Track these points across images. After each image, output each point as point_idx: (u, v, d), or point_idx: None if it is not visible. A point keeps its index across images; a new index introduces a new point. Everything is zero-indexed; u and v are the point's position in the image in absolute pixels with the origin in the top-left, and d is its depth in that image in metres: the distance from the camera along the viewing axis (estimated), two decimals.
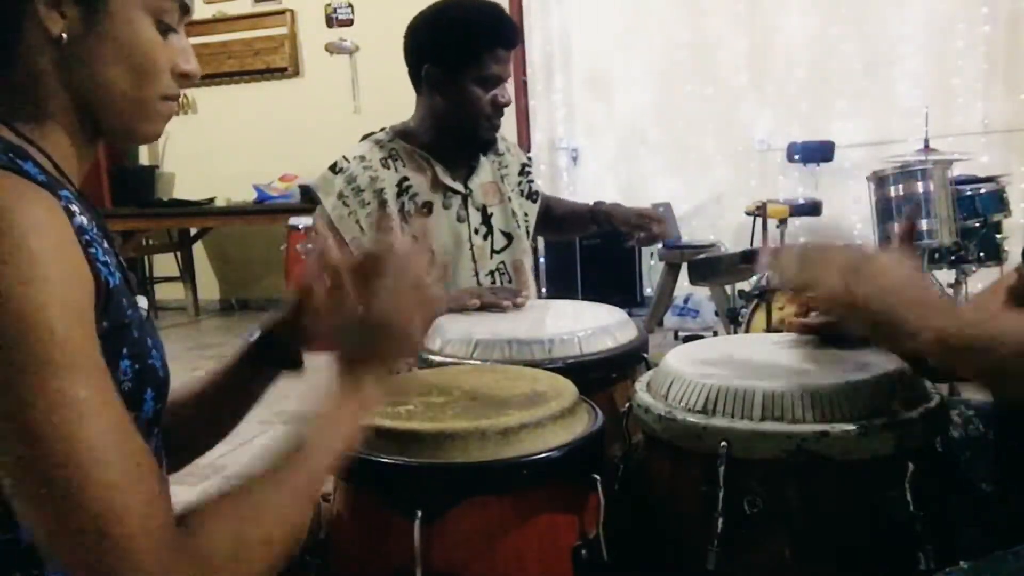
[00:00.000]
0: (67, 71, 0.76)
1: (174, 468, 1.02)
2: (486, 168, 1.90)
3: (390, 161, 1.78)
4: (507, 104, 1.77)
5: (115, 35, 0.77)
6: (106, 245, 0.78)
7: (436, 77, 1.74)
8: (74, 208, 0.73)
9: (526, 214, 1.96)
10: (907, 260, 0.95)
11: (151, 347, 0.81)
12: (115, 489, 0.62)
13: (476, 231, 1.84)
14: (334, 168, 1.77)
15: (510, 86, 1.82)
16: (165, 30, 0.80)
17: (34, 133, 0.77)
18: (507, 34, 1.74)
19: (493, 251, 1.87)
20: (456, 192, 1.82)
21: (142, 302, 0.83)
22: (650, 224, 1.88)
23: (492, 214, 1.88)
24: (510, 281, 1.89)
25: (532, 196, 1.99)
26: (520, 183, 1.97)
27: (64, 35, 0.75)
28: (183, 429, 0.98)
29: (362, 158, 1.77)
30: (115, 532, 0.62)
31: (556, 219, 2.08)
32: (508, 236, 1.90)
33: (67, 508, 0.61)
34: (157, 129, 0.83)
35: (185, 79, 0.83)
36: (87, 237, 0.72)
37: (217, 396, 1.02)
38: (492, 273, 1.86)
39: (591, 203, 2.01)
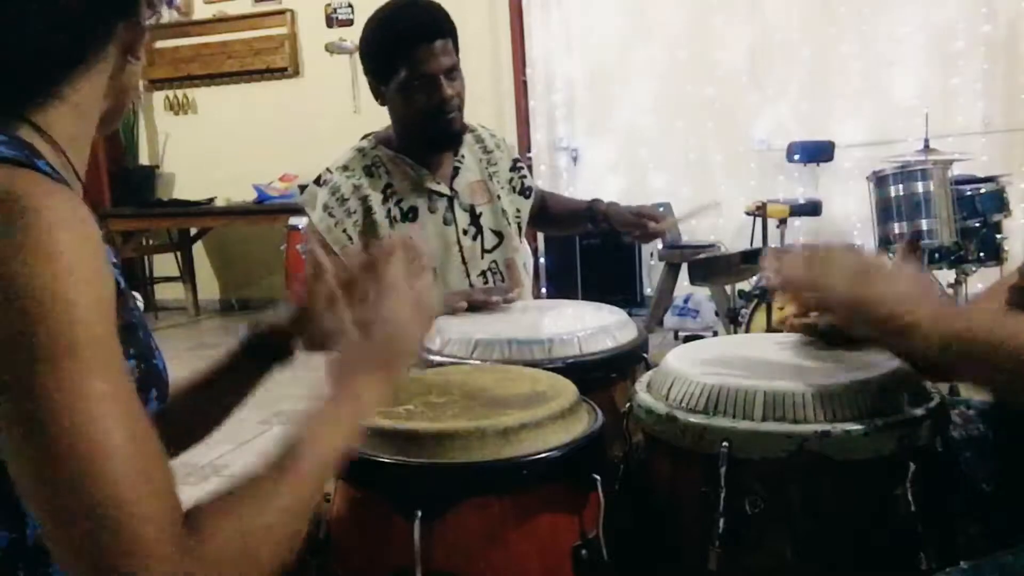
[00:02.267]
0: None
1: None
2: (472, 168, 1.88)
3: (374, 168, 1.78)
4: (448, 97, 1.68)
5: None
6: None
7: (376, 89, 1.76)
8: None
9: (518, 210, 1.94)
10: (910, 265, 0.97)
11: (154, 348, 0.82)
12: (129, 487, 0.62)
13: (465, 232, 1.83)
14: (318, 181, 1.78)
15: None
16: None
17: (45, 132, 0.78)
18: (412, 33, 1.66)
19: (484, 251, 1.86)
20: (441, 195, 1.81)
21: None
22: (646, 224, 1.86)
23: (481, 213, 1.86)
24: (503, 280, 1.87)
25: (525, 192, 1.96)
26: (511, 179, 1.94)
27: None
28: (173, 424, 0.98)
29: (345, 167, 1.77)
30: (126, 530, 0.61)
31: (552, 215, 2.06)
32: (499, 235, 1.88)
33: (78, 502, 0.61)
34: None
35: None
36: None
37: (210, 393, 1.03)
38: (484, 273, 1.85)
39: (589, 200, 2.00)
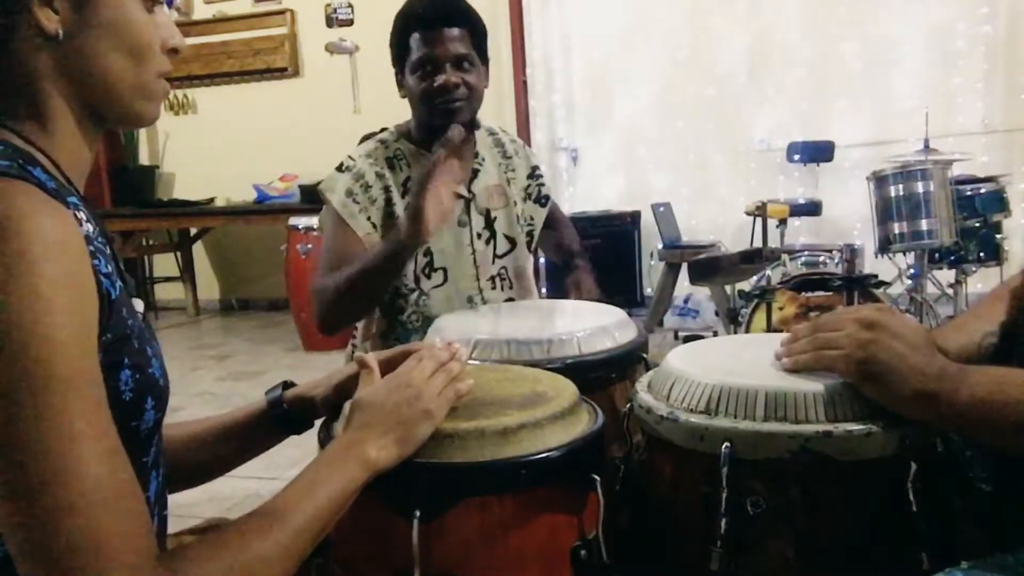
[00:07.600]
0: (65, 68, 0.76)
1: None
2: (491, 171, 1.88)
3: (395, 161, 1.77)
4: (451, 84, 1.67)
5: (107, 21, 0.77)
6: (108, 251, 0.77)
7: (398, 79, 1.78)
8: (81, 216, 0.72)
9: (531, 218, 1.93)
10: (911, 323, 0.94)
11: (151, 356, 0.80)
12: (97, 520, 0.62)
13: (478, 235, 1.82)
14: (340, 168, 1.76)
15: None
16: (151, 6, 0.81)
17: (39, 138, 0.76)
18: (427, 15, 1.69)
19: (495, 256, 1.85)
20: (458, 196, 1.80)
21: (138, 306, 0.83)
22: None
23: (496, 218, 1.85)
24: (511, 287, 1.87)
25: (541, 200, 1.95)
26: (528, 186, 1.94)
27: (60, 32, 0.74)
28: (184, 463, 1.00)
29: (368, 155, 1.76)
30: (93, 564, 0.62)
31: (551, 236, 2.00)
32: (511, 241, 1.87)
33: (47, 534, 0.61)
34: (157, 110, 0.84)
35: (174, 54, 0.83)
36: (92, 247, 0.71)
37: (228, 444, 1.04)
38: (493, 279, 1.85)
39: (576, 258, 1.91)
